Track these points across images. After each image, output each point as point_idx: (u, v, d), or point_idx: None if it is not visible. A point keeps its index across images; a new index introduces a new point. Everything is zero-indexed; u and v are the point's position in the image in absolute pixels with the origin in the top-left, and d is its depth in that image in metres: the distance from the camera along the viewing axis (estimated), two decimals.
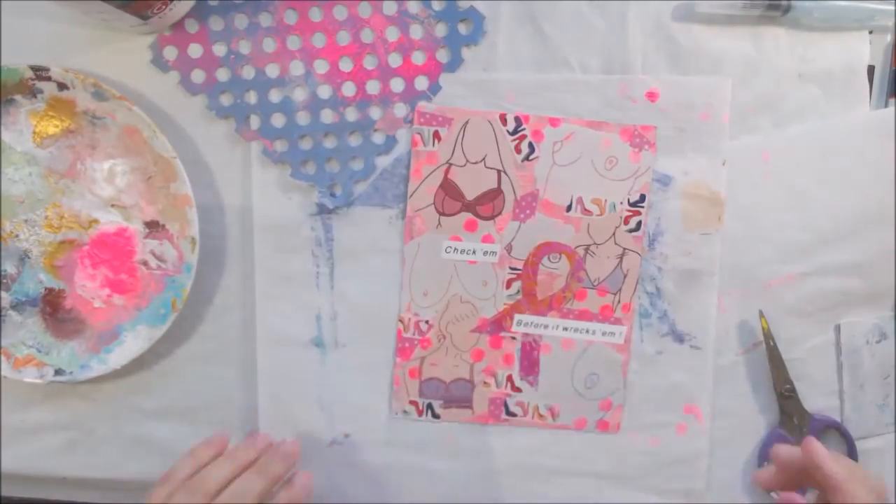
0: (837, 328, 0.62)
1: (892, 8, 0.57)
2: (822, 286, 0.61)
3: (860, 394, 0.62)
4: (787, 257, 0.60)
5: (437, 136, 0.58)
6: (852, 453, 0.62)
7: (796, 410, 0.61)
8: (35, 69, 0.54)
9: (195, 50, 0.57)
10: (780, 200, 0.60)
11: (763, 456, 0.61)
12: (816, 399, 0.62)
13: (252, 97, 0.57)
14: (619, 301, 0.60)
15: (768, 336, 0.60)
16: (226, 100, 0.57)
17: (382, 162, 0.58)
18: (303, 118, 0.58)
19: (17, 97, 0.55)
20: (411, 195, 0.58)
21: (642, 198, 0.59)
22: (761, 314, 0.60)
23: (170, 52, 0.57)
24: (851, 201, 0.60)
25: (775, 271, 0.60)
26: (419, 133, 0.58)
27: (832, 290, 0.61)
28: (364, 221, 0.59)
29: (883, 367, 0.62)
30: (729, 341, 0.61)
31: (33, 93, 0.55)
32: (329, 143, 0.58)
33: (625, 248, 0.59)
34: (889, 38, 0.59)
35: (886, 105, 0.60)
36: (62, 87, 0.55)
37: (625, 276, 0.59)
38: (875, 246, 0.60)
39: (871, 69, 0.60)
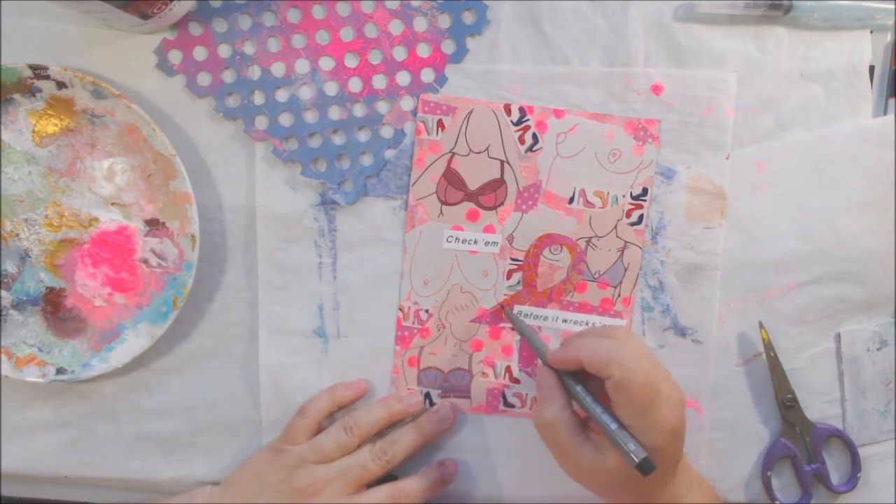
0: (837, 336, 0.61)
1: (893, 7, 0.58)
2: (821, 295, 0.61)
3: (862, 401, 0.61)
4: (784, 267, 0.60)
5: (440, 124, 0.58)
6: (855, 461, 0.61)
7: (798, 420, 0.60)
8: (34, 68, 0.54)
9: (200, 52, 0.57)
10: (775, 210, 0.60)
11: (767, 466, 0.60)
12: (818, 408, 0.62)
13: (259, 97, 0.57)
14: (619, 294, 0.59)
15: (768, 346, 0.60)
16: (233, 101, 0.58)
17: (391, 155, 0.59)
18: (311, 116, 0.58)
19: (17, 96, 0.56)
20: (414, 183, 0.58)
21: (644, 191, 0.59)
22: (761, 325, 0.60)
23: (174, 56, 0.57)
24: (847, 209, 0.60)
25: (773, 281, 0.60)
26: (423, 121, 0.58)
27: (831, 298, 0.61)
28: (367, 212, 0.59)
29: (884, 374, 0.62)
30: (729, 352, 0.61)
31: (32, 92, 0.55)
32: (338, 139, 0.58)
33: (626, 242, 0.59)
34: (889, 37, 0.60)
35: (886, 104, 0.60)
36: (61, 85, 0.55)
37: (625, 270, 0.59)
38: (873, 253, 0.60)
39: (871, 69, 0.60)
